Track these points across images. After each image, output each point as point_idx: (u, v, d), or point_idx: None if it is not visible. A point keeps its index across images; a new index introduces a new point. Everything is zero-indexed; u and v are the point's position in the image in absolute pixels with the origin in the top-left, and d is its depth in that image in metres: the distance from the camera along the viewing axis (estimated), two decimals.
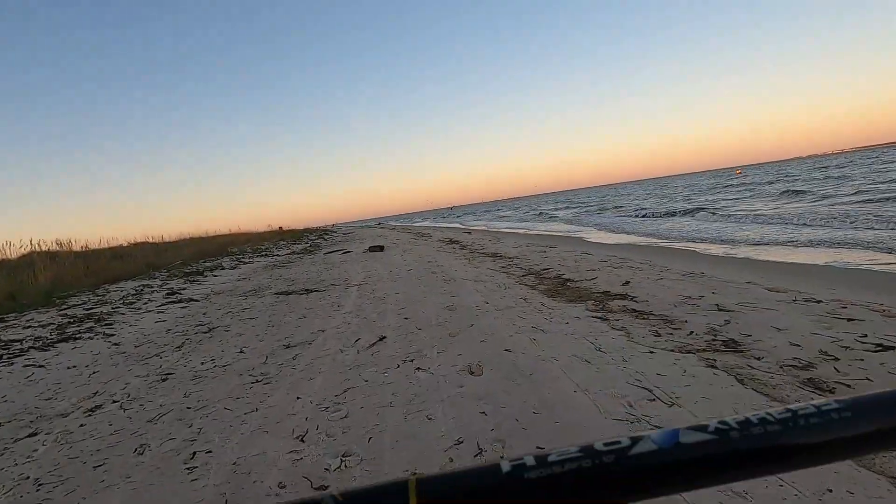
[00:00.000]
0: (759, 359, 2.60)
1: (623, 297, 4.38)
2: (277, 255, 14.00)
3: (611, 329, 3.39)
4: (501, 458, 0.22)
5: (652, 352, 2.83)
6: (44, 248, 12.68)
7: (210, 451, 2.08)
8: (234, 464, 1.95)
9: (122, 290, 8.13)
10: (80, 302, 7.16)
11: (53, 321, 5.71)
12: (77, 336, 4.84)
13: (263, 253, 15.12)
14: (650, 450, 0.22)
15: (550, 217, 27.42)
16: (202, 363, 3.51)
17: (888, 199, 12.35)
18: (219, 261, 12.91)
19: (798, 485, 1.48)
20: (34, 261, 10.38)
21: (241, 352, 3.71)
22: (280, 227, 33.14)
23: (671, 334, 3.17)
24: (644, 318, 3.61)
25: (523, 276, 6.21)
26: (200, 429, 2.33)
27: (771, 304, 3.64)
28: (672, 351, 2.82)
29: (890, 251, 6.32)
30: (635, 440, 0.22)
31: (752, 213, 14.20)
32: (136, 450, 2.19)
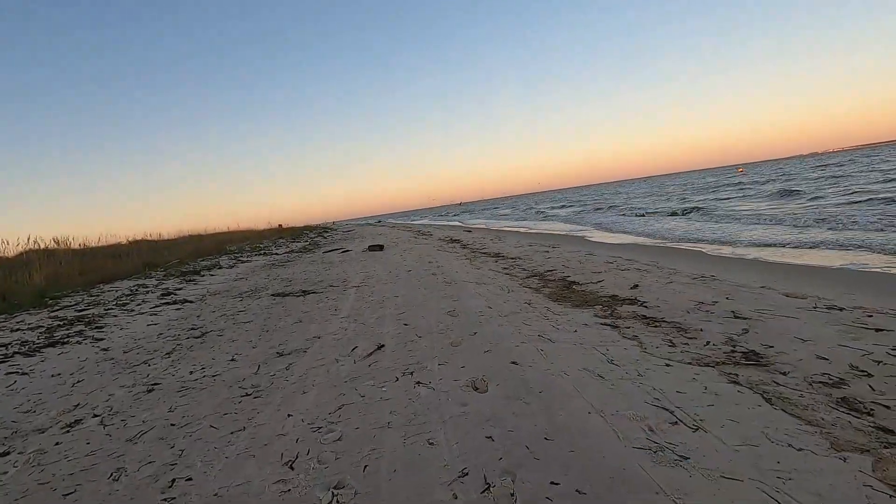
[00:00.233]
0: (784, 374, 2.42)
1: (633, 301, 4.20)
2: (276, 254, 13.80)
3: (622, 338, 3.21)
4: None
5: (668, 365, 2.65)
6: (42, 246, 12.48)
7: (190, 479, 1.90)
8: (216, 495, 1.77)
9: (116, 291, 7.94)
10: (72, 303, 6.97)
11: (43, 324, 5.52)
12: (65, 340, 4.66)
13: (262, 251, 14.91)
14: None
15: (550, 217, 27.11)
16: (191, 372, 3.34)
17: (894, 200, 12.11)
18: (216, 259, 12.72)
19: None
20: (31, 259, 10.19)
21: (232, 360, 3.54)
22: (279, 225, 32.87)
23: (686, 344, 2.98)
24: (656, 326, 3.42)
25: (527, 277, 6.03)
26: (182, 450, 2.16)
27: (790, 311, 3.46)
28: (689, 364, 2.64)
29: None
30: None
31: (757, 212, 13.98)
32: (111, 475, 2.01)
